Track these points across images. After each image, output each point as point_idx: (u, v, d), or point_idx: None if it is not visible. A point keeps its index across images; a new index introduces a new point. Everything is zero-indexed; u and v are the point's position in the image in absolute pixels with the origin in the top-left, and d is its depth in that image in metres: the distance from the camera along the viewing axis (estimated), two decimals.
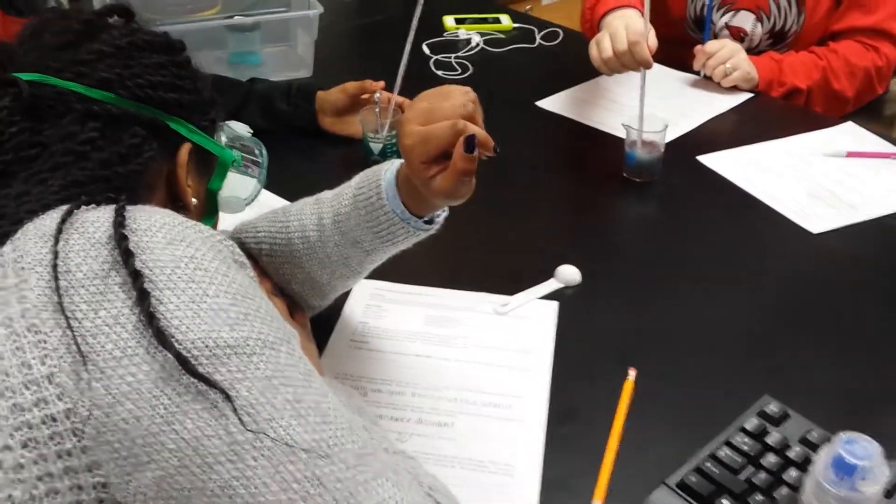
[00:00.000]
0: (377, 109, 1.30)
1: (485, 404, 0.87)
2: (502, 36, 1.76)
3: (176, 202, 0.72)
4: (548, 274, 1.06)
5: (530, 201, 1.26)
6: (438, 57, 1.66)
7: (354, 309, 1.01)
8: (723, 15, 1.62)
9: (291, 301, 0.92)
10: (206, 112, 0.75)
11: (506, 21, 1.81)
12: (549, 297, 1.04)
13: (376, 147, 1.29)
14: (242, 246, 0.93)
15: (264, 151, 0.94)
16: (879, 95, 1.65)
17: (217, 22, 1.56)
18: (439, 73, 1.61)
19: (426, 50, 1.68)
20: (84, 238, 0.57)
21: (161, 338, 0.53)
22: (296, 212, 0.88)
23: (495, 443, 0.83)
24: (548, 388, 0.90)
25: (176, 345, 0.53)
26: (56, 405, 0.53)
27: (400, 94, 1.28)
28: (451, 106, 0.75)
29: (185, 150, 0.71)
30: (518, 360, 0.93)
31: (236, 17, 1.56)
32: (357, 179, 0.85)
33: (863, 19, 1.55)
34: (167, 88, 0.69)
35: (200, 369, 0.53)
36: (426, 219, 0.83)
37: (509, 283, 1.05)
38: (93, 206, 0.61)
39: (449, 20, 1.80)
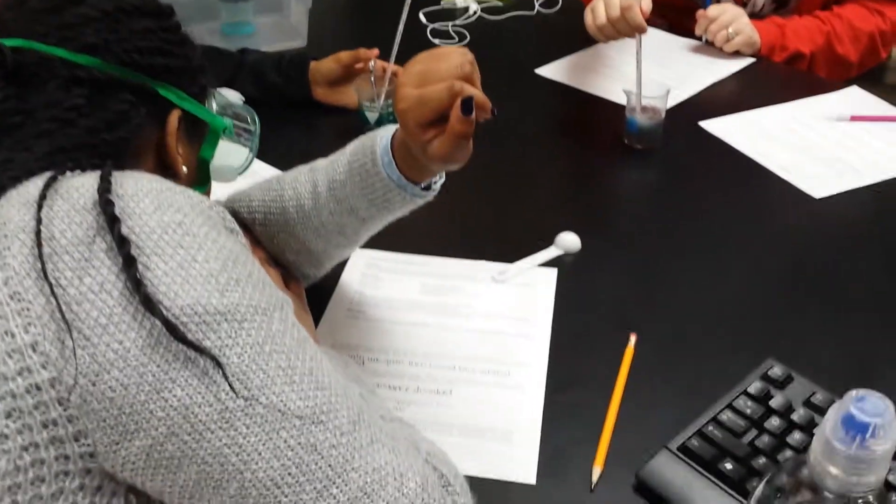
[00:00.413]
0: (372, 78, 1.27)
1: (483, 372, 0.86)
2: (500, 3, 1.73)
3: (166, 171, 0.70)
4: (547, 241, 1.05)
5: (530, 169, 1.24)
6: (435, 25, 1.63)
7: (351, 278, 0.99)
8: None
9: (286, 271, 0.91)
10: (196, 78, 0.72)
11: None
12: (548, 264, 1.02)
13: (372, 116, 1.27)
14: (236, 215, 0.92)
15: (257, 119, 0.92)
16: (882, 62, 1.62)
17: None
18: (436, 41, 1.59)
19: (423, 18, 1.65)
20: (69, 204, 0.55)
21: (148, 304, 0.51)
22: (290, 180, 0.87)
23: (494, 410, 0.82)
24: (547, 356, 0.89)
25: (164, 311, 0.52)
26: (40, 374, 0.51)
27: (396, 63, 1.26)
28: (447, 67, 0.73)
29: (174, 116, 0.69)
30: (517, 327, 0.92)
31: None
32: (352, 146, 0.83)
33: None
34: (155, 53, 0.67)
35: (189, 336, 0.52)
36: (423, 185, 0.82)
37: (508, 250, 1.03)
38: (78, 172, 0.59)
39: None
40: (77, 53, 0.64)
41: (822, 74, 1.55)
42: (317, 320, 0.92)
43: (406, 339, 0.90)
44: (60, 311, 0.51)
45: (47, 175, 0.58)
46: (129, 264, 0.52)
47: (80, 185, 0.56)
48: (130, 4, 0.67)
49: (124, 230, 0.53)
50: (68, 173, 0.59)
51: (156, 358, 0.52)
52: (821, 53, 1.53)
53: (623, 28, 1.32)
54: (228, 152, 0.89)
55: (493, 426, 0.80)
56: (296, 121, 1.31)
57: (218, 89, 0.86)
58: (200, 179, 0.76)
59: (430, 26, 1.63)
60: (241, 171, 0.91)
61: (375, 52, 1.30)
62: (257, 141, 0.93)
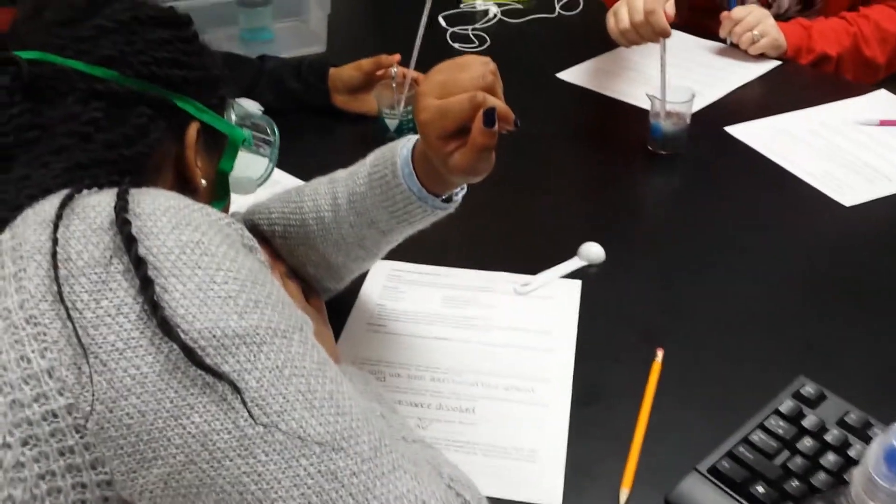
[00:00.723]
0: (394, 85, 1.26)
1: (507, 388, 0.85)
2: (520, 6, 1.71)
3: (185, 184, 0.69)
4: (571, 252, 1.03)
5: (552, 177, 1.22)
6: (455, 29, 1.62)
7: (371, 291, 0.98)
8: None
9: (306, 284, 0.90)
10: (215, 89, 0.72)
11: None
12: (572, 275, 1.01)
13: (392, 124, 1.26)
14: (255, 228, 0.90)
15: (276, 129, 0.91)
16: None
17: None
18: (456, 45, 1.57)
19: (442, 22, 1.64)
20: (85, 224, 0.54)
21: (166, 328, 0.50)
22: (310, 192, 0.86)
23: (518, 428, 0.80)
24: (571, 371, 0.87)
25: (182, 335, 0.51)
26: (57, 400, 0.50)
27: (416, 68, 1.24)
28: (469, 78, 0.71)
29: (193, 129, 0.68)
30: (540, 341, 0.90)
31: None
32: (372, 157, 0.82)
33: None
34: (172, 65, 0.66)
35: (207, 360, 0.51)
36: (444, 197, 0.80)
37: (531, 261, 1.02)
38: (95, 189, 0.58)
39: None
40: (94, 66, 0.63)
41: (849, 77, 1.52)
42: (337, 334, 0.91)
43: (428, 353, 0.89)
44: (77, 335, 0.50)
45: (63, 193, 0.57)
46: (145, 286, 0.51)
47: (97, 204, 0.55)
48: (147, 15, 0.66)
49: (141, 251, 0.52)
50: (85, 191, 0.58)
51: (173, 384, 0.51)
52: (848, 55, 1.50)
53: (646, 33, 1.30)
54: (248, 164, 0.87)
55: (516, 445, 0.79)
56: (315, 128, 1.30)
57: (236, 100, 0.85)
58: (220, 192, 0.75)
59: (450, 30, 1.61)
60: (261, 183, 0.90)
61: (397, 57, 1.28)
62: (276, 152, 0.92)
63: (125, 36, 0.65)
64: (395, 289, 0.98)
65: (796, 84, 1.44)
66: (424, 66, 1.24)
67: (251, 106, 0.88)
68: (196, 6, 1.40)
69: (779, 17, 1.53)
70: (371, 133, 1.26)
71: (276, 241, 0.88)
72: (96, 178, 0.60)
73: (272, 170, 0.92)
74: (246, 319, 0.53)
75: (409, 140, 0.79)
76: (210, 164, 0.72)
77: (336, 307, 0.93)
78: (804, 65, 1.48)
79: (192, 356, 0.50)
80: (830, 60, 1.50)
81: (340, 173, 0.85)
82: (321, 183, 0.86)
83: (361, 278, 0.99)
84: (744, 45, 1.47)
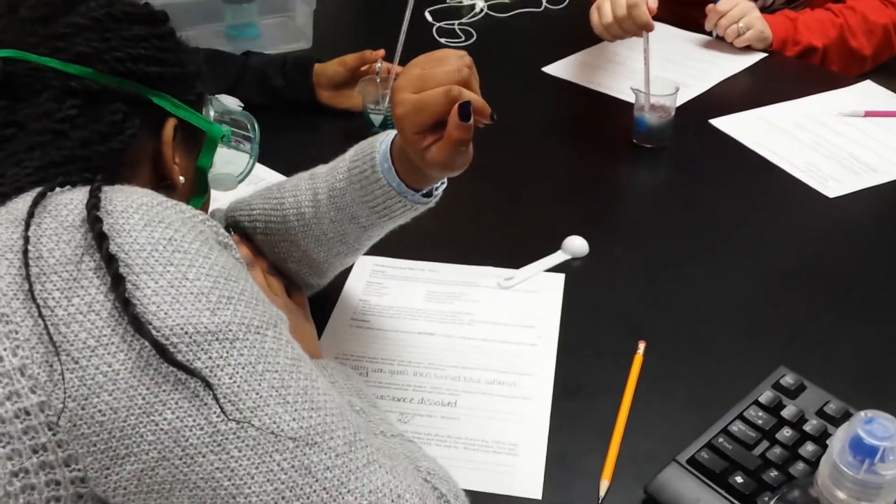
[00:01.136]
0: (378, 80, 1.26)
1: (489, 382, 0.85)
2: (506, 1, 1.71)
3: (162, 181, 0.69)
4: (554, 246, 1.03)
5: (536, 170, 1.22)
6: (441, 24, 1.61)
7: (355, 286, 0.98)
8: None
9: (289, 280, 0.90)
10: (192, 86, 0.71)
11: None
12: (555, 269, 1.01)
13: (377, 119, 1.26)
14: (237, 224, 0.90)
15: (256, 126, 0.91)
16: None
17: None
18: (442, 40, 1.57)
19: (428, 17, 1.64)
20: (57, 221, 0.54)
21: (137, 325, 0.50)
22: (290, 188, 0.86)
23: (500, 422, 0.80)
24: (554, 365, 0.87)
25: (153, 332, 0.51)
26: (29, 398, 0.50)
27: (400, 63, 1.24)
28: (444, 72, 0.71)
29: (170, 125, 0.68)
30: (523, 335, 0.91)
31: None
32: (352, 152, 0.82)
33: None
34: (148, 61, 0.66)
35: (179, 357, 0.51)
36: (424, 192, 0.80)
37: (514, 255, 1.02)
38: (68, 187, 0.58)
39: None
40: (69, 63, 0.63)
41: (835, 69, 1.52)
42: (320, 330, 0.91)
43: (411, 348, 0.89)
44: (48, 333, 0.50)
45: (36, 191, 0.57)
46: (117, 284, 0.51)
47: (70, 202, 0.55)
48: (121, 11, 0.66)
49: (113, 248, 0.52)
50: (58, 189, 0.58)
51: (145, 380, 0.51)
52: (834, 47, 1.50)
53: (629, 27, 1.30)
54: (228, 160, 0.87)
55: (498, 438, 0.79)
56: (300, 124, 1.30)
57: (216, 96, 0.85)
58: (198, 189, 0.75)
59: (436, 25, 1.61)
60: (242, 179, 0.90)
61: (381, 53, 1.28)
62: (257, 148, 0.91)
63: (100, 33, 0.65)
64: (378, 284, 0.98)
65: (782, 76, 1.44)
66: (409, 61, 1.25)
67: (231, 102, 0.87)
68: (182, 2, 1.40)
69: (765, 10, 1.53)
70: (355, 128, 1.26)
71: (257, 237, 0.88)
72: (70, 175, 0.60)
73: (253, 166, 0.91)
74: (218, 316, 0.53)
75: (388, 135, 0.79)
76: (188, 160, 0.72)
77: (319, 303, 0.93)
78: (790, 56, 1.48)
79: (163, 353, 0.50)
80: (816, 52, 1.50)
81: (321, 169, 0.85)
82: (301, 179, 0.86)
83: (345, 274, 0.99)
84: (729, 37, 1.47)
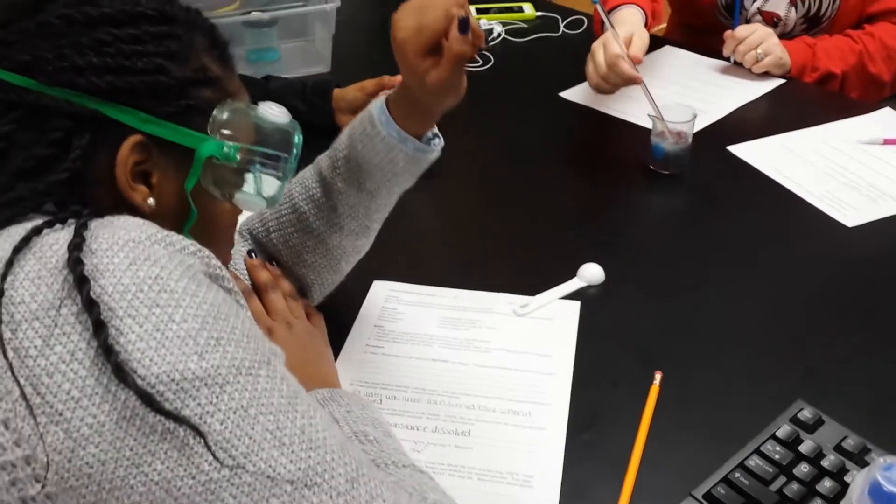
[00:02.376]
0: None
1: (503, 412, 0.84)
2: (525, 25, 1.72)
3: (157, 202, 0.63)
4: (570, 273, 1.03)
5: (553, 196, 1.22)
6: None
7: (370, 312, 0.98)
8: (755, 0, 1.56)
9: (308, 305, 0.91)
10: (178, 96, 0.62)
11: (529, 10, 1.76)
12: (571, 296, 1.00)
13: None
14: (252, 235, 0.91)
15: (298, 139, 0.74)
16: None
17: (233, 18, 1.54)
18: None
19: None
20: (41, 264, 0.52)
21: (120, 374, 0.49)
22: (297, 180, 0.88)
23: (514, 452, 0.80)
24: (569, 394, 0.87)
25: (138, 380, 0.49)
26: (14, 451, 0.49)
27: None
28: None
29: (127, 143, 0.60)
30: (538, 364, 0.90)
31: (253, 14, 1.54)
32: (349, 127, 0.85)
33: None
34: (102, 71, 0.58)
35: (167, 405, 0.49)
36: (424, 141, 0.83)
37: (530, 282, 1.02)
38: (58, 225, 0.56)
39: (471, 10, 1.76)
40: (11, 73, 0.58)
41: (854, 95, 1.51)
42: (336, 354, 0.91)
43: (425, 375, 0.89)
44: (31, 384, 0.49)
45: (25, 228, 0.55)
46: (98, 331, 0.49)
47: (55, 242, 0.54)
48: (84, 14, 0.60)
49: (96, 290, 0.51)
50: (46, 229, 0.55)
51: (132, 431, 0.49)
52: (853, 73, 1.50)
53: (617, 81, 1.31)
54: (257, 180, 0.73)
55: (512, 469, 0.78)
56: (319, 147, 1.28)
57: (260, 104, 0.71)
58: (189, 213, 0.66)
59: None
60: (272, 203, 0.74)
61: (399, 78, 1.28)
62: (291, 166, 0.73)
63: (50, 39, 0.59)
64: (393, 310, 0.98)
65: (800, 102, 1.43)
66: None
67: (272, 113, 0.72)
68: None
69: (784, 36, 1.53)
70: None
71: (272, 237, 0.89)
72: (21, 200, 0.57)
73: (283, 187, 0.74)
74: (206, 360, 0.51)
75: (380, 98, 0.82)
76: (177, 179, 0.64)
77: (335, 327, 0.93)
78: (808, 83, 1.48)
79: (149, 402, 0.49)
80: (835, 78, 1.49)
81: (321, 156, 0.88)
82: (306, 170, 0.88)
83: (360, 299, 0.99)
84: (747, 63, 1.47)
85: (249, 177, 0.69)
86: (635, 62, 1.30)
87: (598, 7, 1.23)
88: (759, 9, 1.56)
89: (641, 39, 1.32)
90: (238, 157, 0.66)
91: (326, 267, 0.90)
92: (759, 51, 1.45)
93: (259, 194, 0.71)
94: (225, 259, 0.76)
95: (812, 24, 1.54)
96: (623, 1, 1.42)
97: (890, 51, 1.49)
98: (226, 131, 0.65)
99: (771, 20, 1.56)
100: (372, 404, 0.82)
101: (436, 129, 0.87)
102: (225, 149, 0.65)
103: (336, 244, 0.87)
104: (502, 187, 1.25)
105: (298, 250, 0.88)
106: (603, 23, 1.30)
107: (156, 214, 0.61)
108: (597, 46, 1.33)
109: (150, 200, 0.62)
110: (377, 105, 0.81)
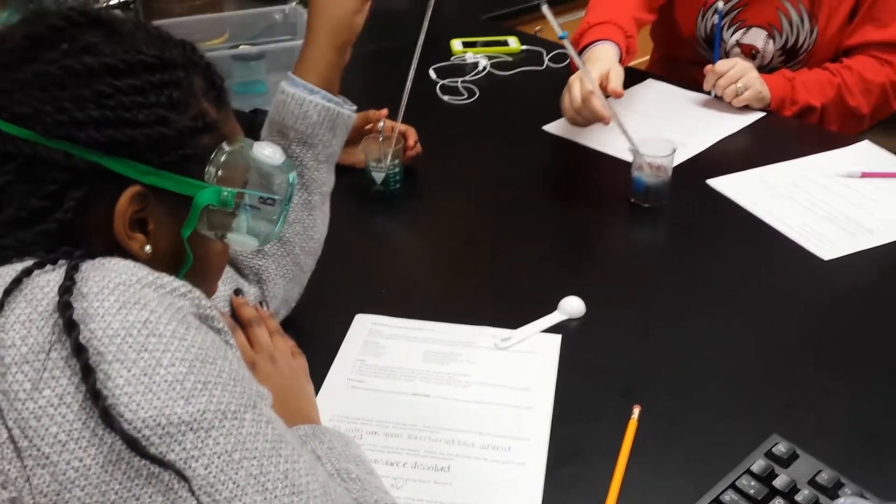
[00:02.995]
0: (381, 139, 1.28)
1: (483, 446, 0.85)
2: (510, 59, 1.75)
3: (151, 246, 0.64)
4: (552, 305, 1.04)
5: (535, 229, 1.24)
6: (445, 81, 1.64)
7: (353, 345, 0.99)
8: (734, 33, 1.59)
9: (293, 344, 0.92)
10: (176, 146, 0.62)
11: (514, 43, 1.79)
12: (552, 329, 1.02)
13: (379, 176, 1.28)
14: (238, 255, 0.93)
15: (293, 179, 0.74)
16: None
17: (222, 52, 1.56)
18: (445, 97, 1.60)
19: (433, 74, 1.67)
20: (31, 307, 0.53)
21: (107, 418, 0.50)
22: None
23: (494, 488, 0.81)
24: (549, 429, 0.87)
25: (125, 424, 0.50)
26: (0, 494, 0.50)
27: (404, 121, 1.27)
28: None
29: (126, 195, 0.60)
30: (519, 398, 0.91)
31: (241, 47, 1.56)
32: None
33: (876, 33, 1.52)
34: (102, 124, 0.58)
35: (152, 449, 0.50)
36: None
37: (512, 315, 1.03)
38: (49, 266, 0.56)
39: (456, 44, 1.79)
40: (9, 124, 0.58)
41: (833, 128, 1.54)
42: (317, 389, 0.92)
43: (406, 410, 0.90)
44: (19, 427, 0.50)
45: (17, 270, 0.55)
46: (87, 375, 0.50)
47: (46, 284, 0.54)
48: (84, 64, 0.59)
49: (86, 334, 0.51)
50: (36, 270, 0.55)
51: (118, 475, 0.50)
52: (832, 106, 1.52)
53: (589, 116, 1.34)
54: (249, 220, 0.74)
55: None
56: None
57: (255, 144, 0.71)
58: (185, 258, 0.67)
59: (440, 82, 1.64)
60: (263, 243, 0.75)
61: (384, 112, 1.31)
62: (285, 209, 0.74)
63: (49, 91, 0.58)
64: (376, 343, 0.99)
65: (780, 136, 1.46)
66: (412, 118, 1.28)
67: (266, 153, 0.71)
68: None
69: (763, 69, 1.56)
70: (357, 185, 1.28)
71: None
72: (5, 249, 0.57)
73: (278, 230, 0.75)
74: (193, 404, 0.52)
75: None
76: (173, 226, 0.65)
77: (317, 361, 0.94)
78: (788, 116, 1.50)
79: (135, 446, 0.50)
80: (815, 111, 1.52)
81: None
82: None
83: (343, 332, 1.00)
84: (728, 97, 1.49)
85: (242, 216, 0.70)
86: (617, 96, 1.33)
87: (566, 42, 1.24)
88: (737, 41, 1.59)
89: (617, 74, 1.35)
90: (234, 202, 0.66)
91: (284, 254, 0.93)
92: (739, 85, 1.48)
93: (252, 233, 0.72)
94: (211, 290, 0.77)
95: (790, 56, 1.57)
96: (598, 37, 1.45)
97: (868, 84, 1.52)
98: (221, 175, 0.66)
99: (749, 52, 1.59)
100: (353, 441, 0.82)
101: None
102: (222, 195, 0.65)
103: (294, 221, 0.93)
104: (485, 220, 1.26)
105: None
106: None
107: (151, 260, 0.62)
108: (574, 80, 1.36)
109: (147, 248, 0.62)
110: (286, 77, 0.91)
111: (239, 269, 0.96)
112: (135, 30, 0.63)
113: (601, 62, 1.38)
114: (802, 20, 1.53)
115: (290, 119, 0.92)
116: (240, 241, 0.71)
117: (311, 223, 0.96)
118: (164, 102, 0.61)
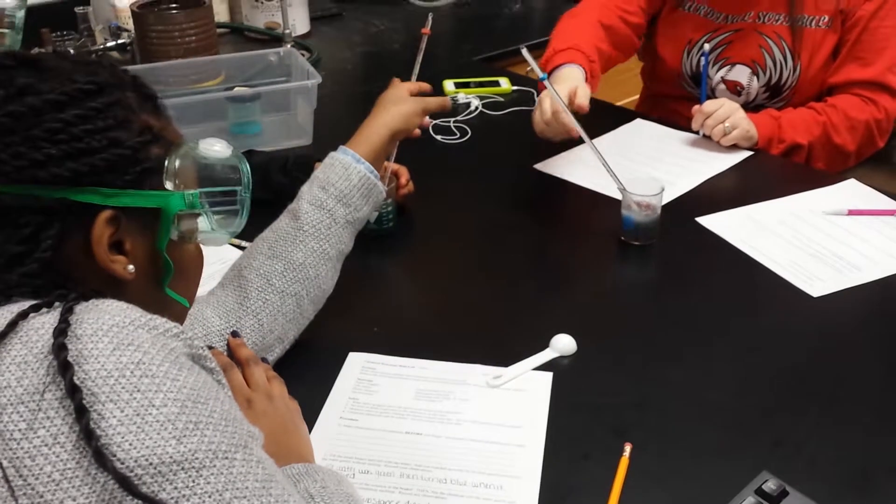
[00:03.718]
0: None
1: (475, 485, 0.85)
2: (501, 99, 1.77)
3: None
4: (543, 343, 1.05)
5: (526, 267, 1.25)
6: (437, 122, 1.67)
7: (345, 384, 0.99)
8: (719, 69, 1.62)
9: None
10: (132, 163, 0.63)
11: (505, 84, 1.82)
12: (544, 367, 1.02)
13: (372, 215, 1.29)
14: (241, 271, 0.97)
15: (246, 169, 0.75)
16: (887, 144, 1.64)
17: (217, 93, 1.58)
18: (438, 137, 1.62)
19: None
20: (27, 349, 0.54)
21: (100, 458, 0.51)
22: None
23: None
24: (540, 466, 0.88)
25: (117, 464, 0.51)
26: None
27: (396, 160, 1.29)
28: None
29: (100, 221, 0.61)
30: (510, 436, 0.91)
31: (237, 89, 1.58)
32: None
33: (860, 72, 1.55)
34: (61, 160, 0.59)
35: (144, 489, 0.51)
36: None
37: (504, 352, 1.03)
38: (44, 309, 0.57)
39: (448, 84, 1.82)
40: None
41: (820, 165, 1.56)
42: (310, 428, 0.92)
43: (398, 449, 0.90)
44: (14, 467, 0.50)
45: (13, 312, 0.56)
46: (80, 415, 0.51)
47: (41, 326, 0.55)
48: (28, 105, 0.59)
49: (80, 375, 0.53)
50: (32, 313, 0.57)
51: None
52: (818, 144, 1.55)
53: (558, 129, 1.39)
54: (219, 216, 0.76)
55: None
56: None
57: (198, 143, 0.72)
58: (164, 270, 0.68)
59: (433, 122, 1.66)
60: (235, 233, 0.76)
61: None
62: (247, 195, 0.75)
63: (1, 139, 0.59)
64: (368, 381, 1.00)
65: (767, 174, 1.48)
66: (405, 158, 1.30)
67: (215, 149, 0.72)
68: (188, 101, 1.46)
69: (748, 105, 1.59)
70: None
71: (253, 277, 0.96)
72: (4, 292, 0.58)
73: (245, 217, 0.76)
74: (184, 444, 0.53)
75: None
76: (149, 240, 0.66)
77: (309, 400, 0.94)
78: (775, 154, 1.53)
79: (127, 486, 0.50)
80: (802, 149, 1.54)
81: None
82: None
83: (336, 371, 1.01)
84: (716, 137, 1.51)
85: (208, 215, 0.71)
86: (582, 111, 1.38)
87: (547, 83, 1.35)
88: (722, 78, 1.63)
89: (584, 91, 1.40)
90: (201, 202, 0.68)
91: (290, 294, 0.97)
92: (726, 124, 1.50)
93: (221, 228, 0.74)
94: (193, 294, 0.77)
95: (774, 93, 1.60)
96: (564, 61, 1.52)
97: (853, 121, 1.55)
98: (179, 180, 0.67)
99: (734, 89, 1.62)
100: (346, 479, 0.83)
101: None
102: (188, 199, 0.67)
103: (300, 261, 0.98)
104: (476, 258, 1.27)
105: (268, 274, 0.96)
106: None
107: (136, 279, 0.63)
108: (544, 97, 1.42)
109: (130, 268, 0.64)
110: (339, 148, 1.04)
111: (247, 300, 0.97)
112: (59, 61, 0.64)
113: (569, 81, 1.45)
114: (785, 57, 1.56)
115: (334, 177, 1.03)
116: (212, 238, 0.73)
117: (322, 273, 1.01)
118: (112, 125, 0.63)
